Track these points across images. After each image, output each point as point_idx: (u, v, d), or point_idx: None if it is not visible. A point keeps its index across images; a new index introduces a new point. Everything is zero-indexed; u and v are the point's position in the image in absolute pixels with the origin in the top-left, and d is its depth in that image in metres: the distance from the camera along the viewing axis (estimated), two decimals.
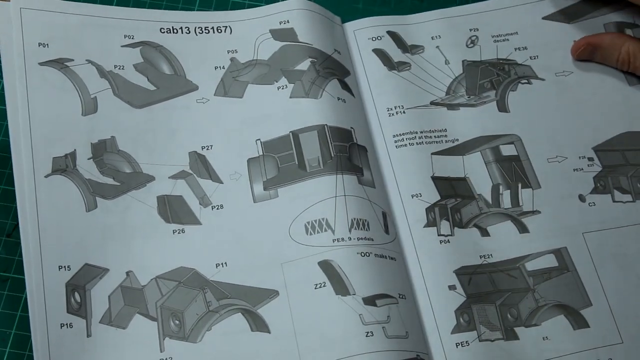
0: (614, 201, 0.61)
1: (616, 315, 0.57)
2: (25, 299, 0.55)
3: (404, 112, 0.64)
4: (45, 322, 0.54)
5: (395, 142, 0.63)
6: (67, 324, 0.54)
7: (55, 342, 0.54)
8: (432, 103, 0.65)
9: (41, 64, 0.61)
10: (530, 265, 0.59)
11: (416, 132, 0.63)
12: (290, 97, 0.63)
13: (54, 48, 0.62)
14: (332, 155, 0.60)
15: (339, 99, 0.63)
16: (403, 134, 0.63)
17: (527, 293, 0.58)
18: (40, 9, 0.63)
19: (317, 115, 0.62)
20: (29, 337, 0.54)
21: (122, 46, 0.64)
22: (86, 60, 0.63)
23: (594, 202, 0.61)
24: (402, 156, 0.62)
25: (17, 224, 0.57)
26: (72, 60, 0.62)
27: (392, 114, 0.64)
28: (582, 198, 0.61)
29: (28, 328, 0.54)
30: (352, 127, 0.62)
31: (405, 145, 0.62)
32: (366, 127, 0.64)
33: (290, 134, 0.62)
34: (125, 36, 0.64)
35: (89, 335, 0.55)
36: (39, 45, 0.62)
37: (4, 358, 0.56)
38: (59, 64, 0.62)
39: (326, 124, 0.61)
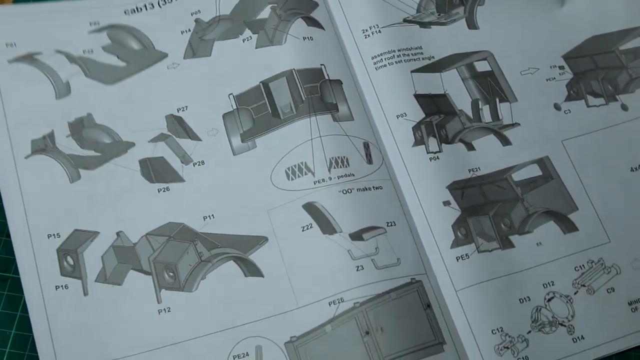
0: (588, 106, 0.63)
1: (602, 217, 0.59)
2: (25, 299, 0.56)
3: (379, 31, 0.64)
4: (40, 286, 0.55)
5: (375, 63, 0.63)
6: (62, 286, 0.55)
7: (51, 303, 0.55)
8: (405, 20, 0.65)
9: (10, 61, 0.62)
10: (517, 176, 0.60)
11: (394, 51, 0.63)
12: (256, 48, 0.64)
13: (21, 46, 0.63)
14: (304, 99, 0.61)
15: (304, 38, 0.63)
16: (381, 54, 0.63)
17: (517, 202, 0.59)
18: (3, 14, 0.64)
19: (283, 61, 0.62)
20: (29, 336, 0.56)
21: (89, 32, 0.64)
22: (55, 50, 0.63)
23: (569, 110, 0.62)
24: (383, 77, 0.62)
25: None
26: (41, 53, 0.63)
27: (368, 35, 0.64)
28: (557, 107, 0.62)
29: (28, 328, 0.55)
30: (322, 64, 0.63)
31: (385, 65, 0.62)
32: (341, 58, 0.64)
33: (261, 84, 0.62)
34: (90, 23, 0.65)
35: (85, 294, 0.55)
36: (7, 46, 0.63)
37: (4, 358, 0.56)
38: (28, 58, 0.63)
39: (294, 69, 0.62)
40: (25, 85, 0.62)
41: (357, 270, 0.56)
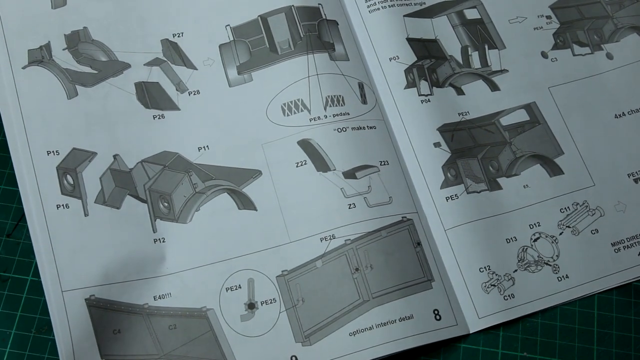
0: (574, 55, 0.64)
1: (586, 161, 0.60)
2: (25, 299, 0.56)
3: None
4: (41, 205, 0.55)
5: (368, 7, 0.63)
6: (63, 205, 0.56)
7: (53, 221, 0.55)
8: None
9: None
10: (505, 120, 0.61)
11: None
12: None
13: None
14: (302, 36, 0.61)
15: None
16: None
17: (505, 146, 0.60)
18: None
19: None
20: (29, 336, 0.56)
21: None
22: None
23: (555, 58, 0.64)
24: (377, 20, 0.63)
25: (17, 223, 0.57)
26: None
27: None
28: (544, 55, 0.64)
29: (28, 328, 0.56)
30: (320, 4, 0.63)
31: (378, 9, 0.63)
32: (336, 1, 0.64)
33: (259, 18, 0.62)
34: None
35: (86, 215, 0.56)
36: None
37: (4, 358, 0.56)
38: None
39: (293, 5, 0.62)
40: None
41: (350, 208, 0.56)
